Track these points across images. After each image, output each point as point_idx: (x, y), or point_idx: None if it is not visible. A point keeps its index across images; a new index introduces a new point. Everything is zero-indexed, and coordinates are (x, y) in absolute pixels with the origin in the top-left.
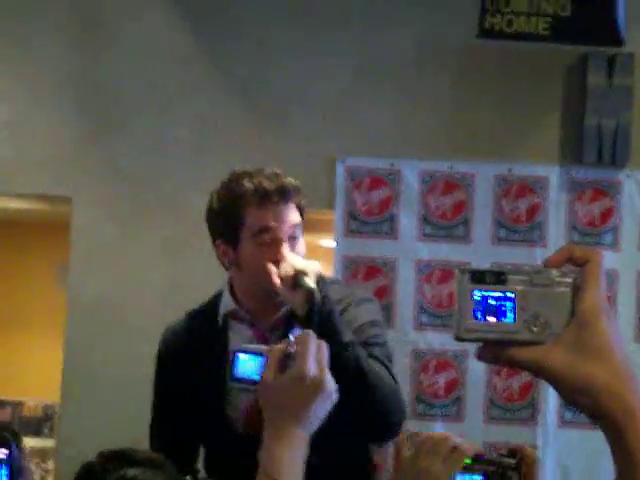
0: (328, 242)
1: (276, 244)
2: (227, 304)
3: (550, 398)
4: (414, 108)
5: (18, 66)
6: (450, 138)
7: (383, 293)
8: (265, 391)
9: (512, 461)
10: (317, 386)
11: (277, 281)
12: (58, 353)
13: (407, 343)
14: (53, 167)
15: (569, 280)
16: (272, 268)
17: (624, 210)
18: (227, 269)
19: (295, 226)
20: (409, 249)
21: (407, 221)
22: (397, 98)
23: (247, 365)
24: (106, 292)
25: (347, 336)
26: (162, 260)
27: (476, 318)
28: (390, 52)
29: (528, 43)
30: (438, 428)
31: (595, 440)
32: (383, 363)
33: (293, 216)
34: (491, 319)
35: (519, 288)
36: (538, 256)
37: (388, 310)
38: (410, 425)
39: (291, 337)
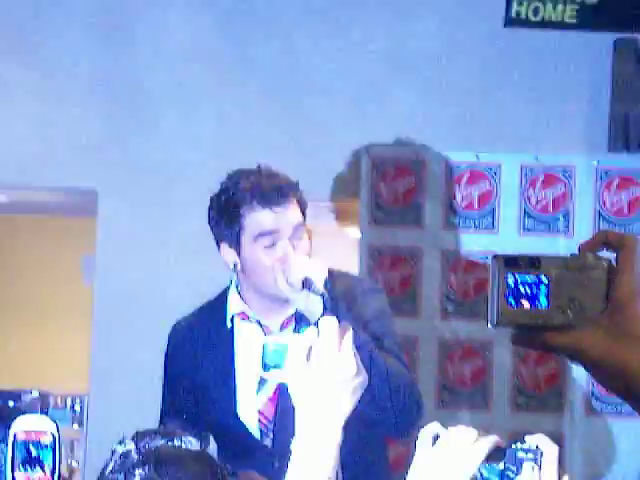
0: (353, 232)
1: (279, 247)
2: (235, 305)
3: (577, 386)
4: (440, 97)
5: (45, 61)
6: (476, 127)
7: (408, 282)
8: (292, 380)
9: (532, 453)
10: (344, 376)
11: (284, 286)
12: (86, 344)
13: (433, 332)
14: (79, 160)
15: (604, 264)
16: (279, 274)
17: None
18: (234, 271)
19: (297, 226)
20: (435, 239)
21: (432, 211)
22: (423, 87)
23: (275, 355)
24: (132, 283)
25: (363, 335)
26: (187, 252)
27: (510, 303)
28: (416, 41)
29: (555, 31)
30: (464, 417)
31: (622, 429)
32: (395, 355)
33: (293, 216)
34: (525, 304)
35: (553, 272)
36: (564, 246)
37: (413, 299)
38: (437, 415)
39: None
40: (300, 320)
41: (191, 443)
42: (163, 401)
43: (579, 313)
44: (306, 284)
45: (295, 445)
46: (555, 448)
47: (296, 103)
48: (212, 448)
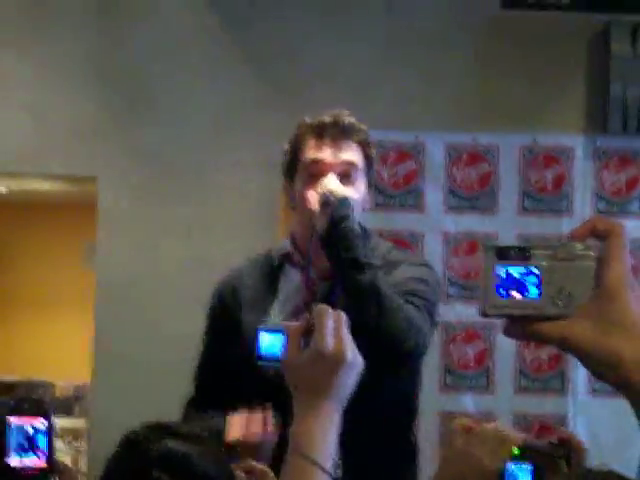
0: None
1: (324, 180)
2: (284, 246)
3: (580, 367)
4: (438, 80)
5: (44, 48)
6: (474, 110)
7: None
8: (288, 369)
9: (561, 451)
10: (337, 360)
11: (313, 206)
12: (88, 333)
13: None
14: (78, 147)
15: (593, 254)
16: (311, 195)
17: None
18: (293, 209)
19: (349, 164)
20: (435, 222)
21: (433, 194)
22: (421, 71)
23: (270, 343)
24: (133, 271)
25: (367, 259)
26: (188, 238)
27: (501, 294)
28: (414, 24)
29: (551, 12)
30: (468, 400)
31: (625, 409)
32: (419, 309)
33: (348, 153)
34: (516, 295)
35: (543, 263)
36: (565, 225)
37: None
38: (441, 398)
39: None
40: (337, 276)
41: (203, 441)
42: (199, 363)
43: (569, 303)
44: (323, 197)
45: (293, 432)
46: (583, 441)
47: (295, 88)
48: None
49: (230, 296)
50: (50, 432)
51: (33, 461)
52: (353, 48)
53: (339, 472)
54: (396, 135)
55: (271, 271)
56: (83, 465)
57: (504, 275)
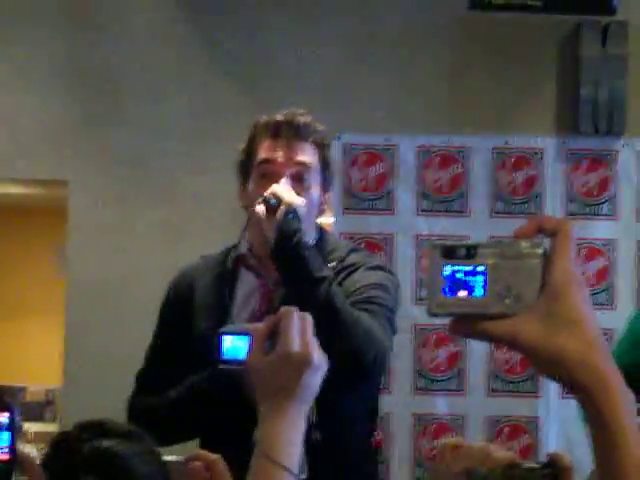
0: (326, 219)
1: (276, 179)
2: (240, 248)
3: None
4: (409, 83)
5: (12, 51)
6: (445, 112)
7: None
8: (253, 371)
9: (548, 470)
10: (304, 362)
11: (261, 212)
12: (59, 337)
13: (407, 318)
14: (49, 151)
15: (539, 251)
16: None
17: (621, 179)
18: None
19: (303, 165)
20: (407, 224)
21: (404, 196)
22: (391, 73)
23: (233, 346)
24: (104, 275)
25: (320, 272)
26: (159, 242)
27: (447, 293)
28: (383, 26)
29: (520, 14)
30: (440, 402)
31: None
32: (377, 318)
33: (302, 154)
34: (462, 293)
35: (489, 261)
36: None
37: None
38: (412, 400)
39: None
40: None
41: (140, 440)
42: (147, 355)
43: (516, 301)
44: (269, 203)
45: (258, 434)
46: (571, 460)
47: (265, 91)
48: None
49: (184, 297)
50: (12, 425)
51: None
52: (323, 51)
53: (304, 474)
54: (367, 138)
55: (225, 274)
56: None
57: (450, 274)
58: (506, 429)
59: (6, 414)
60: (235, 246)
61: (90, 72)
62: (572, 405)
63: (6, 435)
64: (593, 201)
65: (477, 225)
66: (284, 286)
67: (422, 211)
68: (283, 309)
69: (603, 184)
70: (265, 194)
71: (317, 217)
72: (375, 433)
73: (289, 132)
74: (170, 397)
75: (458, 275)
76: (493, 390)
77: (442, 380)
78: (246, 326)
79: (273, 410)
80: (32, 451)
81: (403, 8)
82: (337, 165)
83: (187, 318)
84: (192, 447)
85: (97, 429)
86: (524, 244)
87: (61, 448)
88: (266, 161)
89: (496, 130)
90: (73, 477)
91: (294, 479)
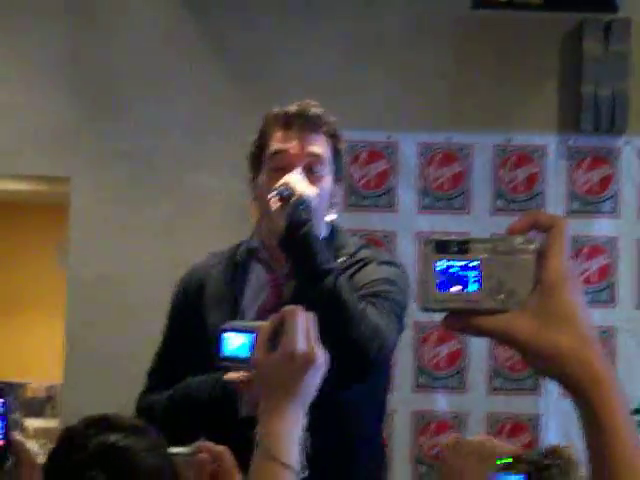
0: (328, 216)
1: (287, 171)
2: (251, 242)
3: None
4: (411, 80)
5: (16, 48)
6: (447, 109)
7: None
8: (258, 370)
9: (551, 461)
10: (307, 361)
11: (272, 204)
12: (59, 333)
13: (408, 315)
14: (51, 148)
15: (533, 247)
16: (272, 191)
17: (623, 177)
18: (255, 201)
19: (315, 156)
20: (408, 221)
21: (406, 194)
22: (393, 70)
23: (235, 343)
24: (105, 272)
25: (328, 264)
26: (161, 239)
27: (440, 288)
28: (385, 24)
29: (523, 12)
30: (441, 400)
31: None
32: (384, 312)
33: (315, 145)
34: (455, 289)
35: (483, 257)
36: None
37: None
38: (412, 397)
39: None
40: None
41: (145, 434)
42: (157, 352)
43: (509, 297)
44: (280, 193)
45: (261, 432)
46: (573, 451)
47: (267, 89)
48: None
49: (195, 293)
50: (6, 412)
51: None
52: (325, 49)
53: (306, 472)
54: (368, 135)
55: (236, 268)
56: None
57: (443, 269)
58: (507, 427)
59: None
60: (245, 241)
61: (92, 69)
62: (572, 403)
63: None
64: (595, 199)
65: (478, 223)
66: (293, 277)
67: (423, 208)
68: (288, 308)
69: (605, 182)
70: (278, 184)
71: (329, 208)
72: (381, 434)
73: (301, 123)
74: (165, 401)
75: (452, 270)
76: (494, 388)
77: (443, 377)
78: (250, 324)
79: (274, 408)
80: (33, 447)
81: (405, 6)
82: None
83: (198, 314)
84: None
85: (103, 424)
86: (518, 239)
87: (67, 443)
88: (278, 152)
89: (498, 128)
90: (80, 472)
91: (295, 476)
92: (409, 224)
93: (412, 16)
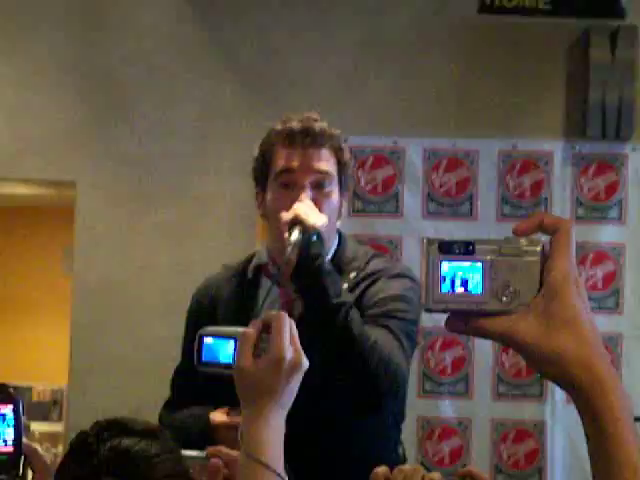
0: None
1: (296, 189)
2: (261, 257)
3: None
4: (416, 86)
5: (21, 51)
6: (453, 115)
7: None
8: (242, 376)
9: None
10: (294, 366)
11: (284, 229)
12: (65, 337)
13: None
14: (57, 152)
15: (538, 249)
16: (283, 214)
17: (629, 184)
18: (264, 218)
19: (322, 173)
20: (414, 227)
21: (411, 199)
22: (399, 76)
23: (216, 349)
24: (111, 275)
25: (339, 299)
26: (166, 243)
27: (444, 289)
28: (391, 29)
29: (530, 18)
30: (446, 406)
31: None
32: (396, 336)
33: (320, 162)
34: (459, 290)
35: (488, 258)
36: None
37: None
38: (418, 403)
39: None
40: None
41: (159, 438)
42: (177, 369)
43: (514, 299)
44: (290, 228)
45: (246, 438)
46: (483, 474)
47: (272, 94)
48: None
49: (207, 308)
50: (18, 417)
51: (0, 447)
52: (331, 54)
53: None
54: (374, 140)
55: (247, 284)
56: None
57: (448, 270)
58: (512, 433)
59: (10, 406)
60: (255, 254)
61: (98, 73)
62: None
63: (11, 428)
64: (601, 205)
65: (484, 228)
66: (305, 311)
67: (429, 214)
68: (275, 314)
69: (611, 188)
70: (288, 215)
71: (336, 219)
72: (401, 443)
73: (305, 140)
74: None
75: (456, 271)
76: (499, 394)
77: (448, 383)
78: (229, 329)
79: (260, 414)
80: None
81: (412, 11)
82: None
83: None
84: None
85: (116, 428)
86: (523, 241)
87: (80, 448)
88: (285, 171)
89: (504, 133)
90: (93, 478)
91: None
92: (415, 230)
93: (419, 21)
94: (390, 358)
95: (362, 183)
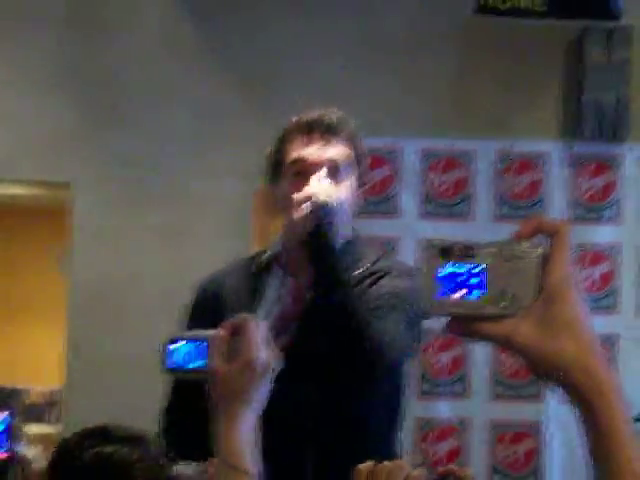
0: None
1: (308, 177)
2: (275, 247)
3: None
4: (413, 86)
5: (16, 53)
6: (450, 115)
7: None
8: (215, 380)
9: None
10: (265, 369)
11: (296, 211)
12: (61, 339)
13: None
14: (52, 153)
15: (537, 252)
16: (296, 195)
17: (625, 184)
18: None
19: (336, 162)
20: (411, 228)
21: (408, 200)
22: (396, 76)
23: (184, 353)
24: (107, 277)
25: (341, 275)
26: (162, 245)
27: (444, 293)
28: (388, 30)
29: (526, 19)
30: (443, 406)
31: None
32: (397, 325)
33: (335, 150)
34: (459, 294)
35: (487, 262)
36: None
37: None
38: (415, 404)
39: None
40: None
41: (142, 445)
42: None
43: (513, 302)
44: (309, 201)
45: (221, 442)
46: (470, 473)
47: (269, 95)
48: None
49: (211, 303)
50: (11, 424)
51: None
52: (327, 54)
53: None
54: (371, 140)
55: (252, 277)
56: None
57: (447, 274)
58: (509, 433)
59: (4, 414)
60: (260, 252)
61: (93, 75)
62: (574, 410)
63: (4, 435)
64: (597, 206)
65: (481, 229)
66: (314, 286)
67: (426, 214)
68: (243, 317)
69: (607, 189)
70: (302, 196)
71: (352, 212)
72: (397, 443)
73: (320, 129)
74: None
75: (455, 275)
76: (497, 395)
77: (446, 384)
78: (198, 333)
79: (233, 417)
80: (35, 453)
81: (408, 11)
82: None
83: (215, 325)
84: None
85: (100, 435)
86: (522, 245)
87: (63, 455)
88: (298, 160)
89: (500, 134)
90: None
91: None
92: (412, 230)
93: (415, 22)
94: (388, 340)
95: None
